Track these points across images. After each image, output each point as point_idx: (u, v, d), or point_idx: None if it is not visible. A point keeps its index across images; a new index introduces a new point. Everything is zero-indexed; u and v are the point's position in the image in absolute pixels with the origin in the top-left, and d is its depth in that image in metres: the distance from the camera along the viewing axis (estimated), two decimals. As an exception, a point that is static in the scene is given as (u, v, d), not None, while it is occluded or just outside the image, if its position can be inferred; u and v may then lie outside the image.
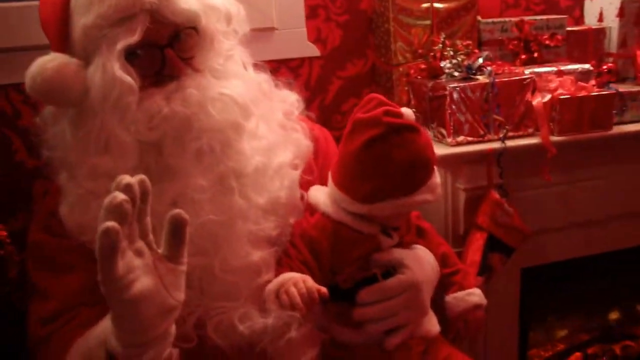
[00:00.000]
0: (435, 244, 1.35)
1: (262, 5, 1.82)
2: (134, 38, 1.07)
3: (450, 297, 1.33)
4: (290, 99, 1.33)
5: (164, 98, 1.11)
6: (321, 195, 1.26)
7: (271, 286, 1.12)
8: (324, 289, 1.10)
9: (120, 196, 0.80)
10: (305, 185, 1.27)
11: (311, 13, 1.90)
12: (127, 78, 1.07)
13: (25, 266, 1.26)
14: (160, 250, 0.89)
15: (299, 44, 1.89)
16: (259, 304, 1.12)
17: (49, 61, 1.11)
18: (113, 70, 1.07)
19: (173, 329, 0.95)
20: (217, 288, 1.11)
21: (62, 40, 1.15)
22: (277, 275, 1.15)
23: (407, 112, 1.21)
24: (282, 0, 1.84)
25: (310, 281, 1.10)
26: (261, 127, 1.22)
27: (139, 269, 0.85)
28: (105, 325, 0.95)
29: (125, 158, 1.09)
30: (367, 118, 1.16)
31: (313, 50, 1.91)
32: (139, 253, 0.86)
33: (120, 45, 1.07)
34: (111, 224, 0.79)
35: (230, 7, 1.24)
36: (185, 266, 0.91)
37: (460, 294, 1.33)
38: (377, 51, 1.93)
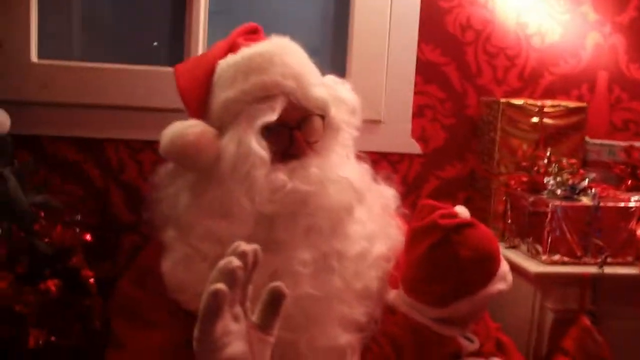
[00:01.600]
0: None
1: (372, 98, 1.87)
2: (273, 116, 1.14)
3: None
4: (387, 193, 1.33)
5: (288, 173, 1.14)
6: (399, 298, 1.25)
7: None
8: None
9: (236, 262, 0.83)
10: (391, 281, 1.26)
11: (418, 111, 1.94)
12: (262, 152, 1.13)
13: (108, 315, 1.29)
14: (253, 319, 0.91)
15: (402, 139, 1.92)
16: None
17: (191, 127, 1.17)
18: (249, 143, 1.13)
19: None
20: None
21: (201, 109, 1.23)
22: None
23: (461, 210, 1.24)
24: (392, 95, 1.89)
25: None
26: (364, 214, 1.23)
27: (233, 334, 0.87)
28: None
29: (243, 226, 1.12)
30: (425, 225, 1.19)
31: (415, 148, 1.94)
32: (236, 318, 0.88)
33: (260, 121, 1.14)
34: (222, 286, 0.81)
35: (355, 102, 1.29)
36: (274, 338, 0.92)
37: None
38: (478, 157, 1.94)
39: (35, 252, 1.38)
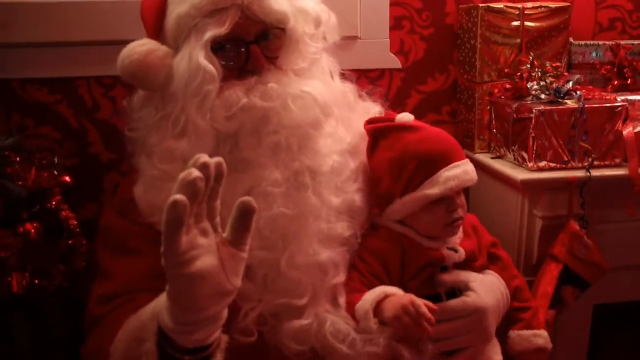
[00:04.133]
0: (510, 275, 1.30)
1: (347, 14, 1.81)
2: (222, 30, 1.12)
3: (514, 333, 1.28)
4: (373, 110, 1.33)
5: (244, 90, 1.14)
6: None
7: (367, 305, 1.11)
8: (432, 305, 1.09)
9: (195, 173, 0.81)
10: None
11: (396, 24, 1.88)
12: (209, 66, 1.11)
13: (94, 249, 1.30)
14: (224, 235, 0.90)
15: (381, 54, 1.87)
16: (326, 305, 1.13)
17: (139, 45, 1.18)
18: (198, 58, 1.11)
19: (225, 313, 0.95)
20: (281, 284, 1.11)
21: (156, 29, 1.23)
22: (347, 283, 1.16)
23: (404, 116, 1.25)
24: (368, 9, 1.83)
25: (416, 299, 1.09)
26: (340, 129, 1.23)
27: (202, 248, 0.86)
28: (160, 301, 0.96)
29: (201, 144, 1.12)
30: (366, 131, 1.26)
31: (395, 62, 1.89)
32: (204, 233, 0.87)
33: (208, 35, 1.12)
34: (180, 196, 0.79)
35: (321, 13, 1.25)
36: (247, 254, 0.91)
37: (525, 332, 1.28)
38: (460, 67, 1.89)
39: (9, 195, 1.36)
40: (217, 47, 1.14)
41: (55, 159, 1.58)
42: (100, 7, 1.74)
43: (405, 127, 1.22)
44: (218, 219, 0.89)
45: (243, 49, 1.16)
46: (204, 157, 0.83)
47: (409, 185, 1.18)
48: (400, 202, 1.19)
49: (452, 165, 1.18)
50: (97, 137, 1.79)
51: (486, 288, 1.20)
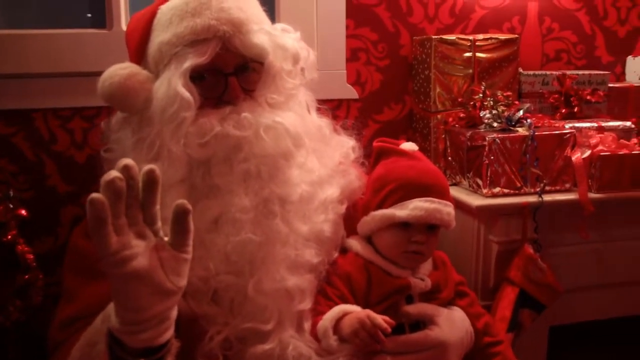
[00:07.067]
0: (478, 312, 1.31)
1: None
2: (202, 60, 1.15)
3: None
4: (348, 144, 1.35)
5: (219, 119, 1.15)
6: (353, 239, 1.28)
7: (326, 323, 1.13)
8: (388, 319, 1.11)
9: (114, 173, 0.83)
10: (347, 224, 1.28)
11: (352, 56, 1.92)
12: (186, 94, 1.13)
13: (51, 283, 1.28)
14: (167, 239, 0.92)
15: (338, 85, 1.90)
16: (291, 331, 1.14)
17: (121, 68, 1.20)
18: (176, 85, 1.14)
19: (173, 314, 0.96)
20: (248, 309, 1.12)
21: (139, 53, 1.25)
22: (315, 307, 1.17)
23: (408, 144, 1.32)
24: (325, 42, 1.86)
25: (372, 313, 1.11)
26: (311, 160, 1.25)
27: (136, 248, 0.88)
28: (110, 305, 0.97)
29: (173, 169, 1.14)
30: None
31: (352, 93, 1.92)
32: (140, 235, 0.89)
33: (188, 64, 1.14)
34: (96, 195, 0.81)
35: (300, 50, 1.28)
36: (189, 255, 0.93)
37: None
38: (415, 97, 1.93)
39: (-39, 231, 1.34)
40: (196, 76, 1.16)
41: (11, 192, 1.57)
42: (58, 39, 1.74)
43: (405, 154, 1.28)
44: (159, 225, 0.91)
45: (222, 80, 1.18)
46: (125, 160, 0.86)
47: (383, 202, 1.22)
48: (372, 216, 1.23)
49: (428, 199, 1.20)
50: (54, 169, 1.77)
51: (450, 323, 1.22)
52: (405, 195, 1.21)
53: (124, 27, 1.77)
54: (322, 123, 1.33)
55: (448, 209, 1.23)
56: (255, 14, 1.25)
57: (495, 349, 1.30)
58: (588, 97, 1.88)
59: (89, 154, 1.77)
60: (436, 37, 1.79)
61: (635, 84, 2.01)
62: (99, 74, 1.21)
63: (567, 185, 1.64)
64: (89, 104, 1.72)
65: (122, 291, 0.90)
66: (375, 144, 1.32)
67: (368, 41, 1.93)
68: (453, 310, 1.26)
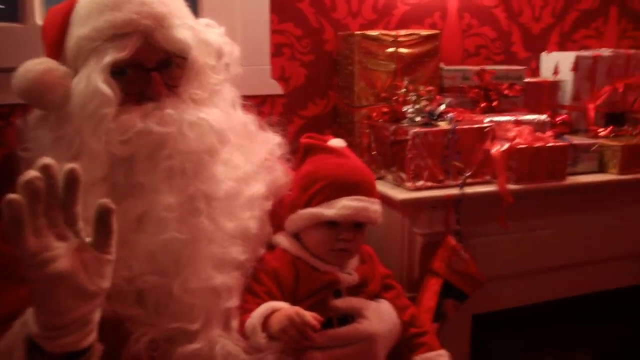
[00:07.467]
0: (404, 304, 1.34)
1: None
2: (122, 54, 1.11)
3: (419, 358, 1.32)
4: (273, 141, 1.36)
5: (141, 115, 1.13)
6: (281, 235, 1.29)
7: (255, 321, 1.13)
8: (317, 316, 1.11)
9: (32, 173, 0.82)
10: (273, 220, 1.29)
11: (277, 51, 1.91)
12: (106, 90, 1.10)
13: None
14: (89, 239, 0.90)
15: (262, 81, 1.89)
16: (219, 329, 1.13)
17: (36, 64, 1.15)
18: (96, 81, 1.10)
19: (96, 317, 0.94)
20: (174, 309, 1.10)
21: (56, 48, 1.21)
22: (242, 305, 1.17)
23: (336, 141, 1.33)
24: (248, 37, 1.84)
25: (301, 310, 1.11)
26: (237, 156, 1.24)
27: (58, 250, 0.86)
28: (29, 310, 0.94)
29: (94, 167, 1.11)
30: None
31: (276, 88, 1.92)
32: (61, 237, 0.87)
33: (108, 59, 1.11)
34: (14, 196, 0.80)
35: (224, 45, 1.27)
36: (113, 256, 0.92)
37: (429, 355, 1.32)
38: (340, 92, 1.94)
39: None
40: (117, 72, 1.13)
41: None
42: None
43: (333, 151, 1.29)
44: (80, 225, 0.89)
45: (144, 76, 1.15)
46: (44, 160, 0.84)
47: (311, 200, 1.23)
48: (299, 214, 1.24)
49: (355, 197, 1.22)
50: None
51: (378, 316, 1.24)
52: (333, 194, 1.22)
53: (39, 22, 1.71)
54: (248, 119, 1.33)
55: (375, 206, 1.25)
56: (178, 8, 1.23)
57: (421, 340, 1.33)
58: (506, 92, 1.94)
59: (5, 153, 1.70)
60: (359, 32, 1.81)
61: (550, 79, 2.08)
62: (13, 70, 1.16)
63: (487, 178, 1.69)
64: (3, 101, 1.65)
65: (43, 295, 0.87)
66: (302, 140, 1.32)
67: (292, 36, 1.93)
68: (380, 303, 1.28)
